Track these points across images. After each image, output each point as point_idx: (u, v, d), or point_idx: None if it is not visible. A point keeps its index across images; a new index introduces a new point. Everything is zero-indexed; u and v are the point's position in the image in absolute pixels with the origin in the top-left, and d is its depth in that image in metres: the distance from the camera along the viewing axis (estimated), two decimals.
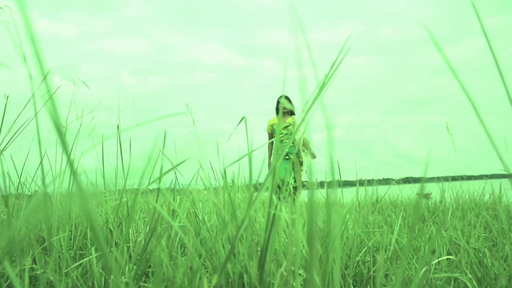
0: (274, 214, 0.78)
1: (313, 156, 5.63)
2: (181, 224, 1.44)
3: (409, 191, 4.93)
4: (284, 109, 5.47)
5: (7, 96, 1.39)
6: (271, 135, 5.86)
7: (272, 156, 5.67)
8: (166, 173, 0.91)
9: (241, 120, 1.08)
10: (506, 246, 1.52)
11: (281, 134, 5.42)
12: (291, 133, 5.26)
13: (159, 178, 0.89)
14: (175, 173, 1.93)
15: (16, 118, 1.83)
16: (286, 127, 5.52)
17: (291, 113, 5.79)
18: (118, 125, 1.51)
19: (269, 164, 5.61)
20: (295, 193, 4.94)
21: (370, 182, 5.29)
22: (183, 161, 0.97)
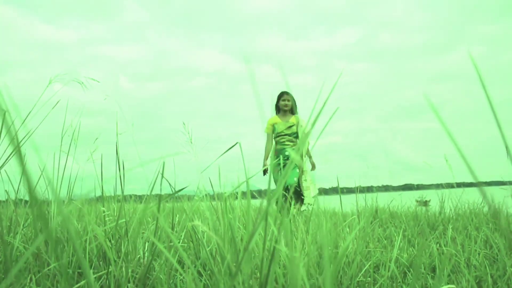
0: (274, 248, 0.77)
1: (313, 167, 4.99)
2: (180, 242, 1.43)
3: (408, 199, 4.93)
4: (285, 107, 4.95)
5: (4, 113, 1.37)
6: (271, 136, 5.10)
7: (269, 157, 5.08)
8: (165, 198, 0.90)
9: (234, 145, 1.07)
10: (507, 268, 1.51)
11: (284, 134, 4.83)
12: (294, 134, 4.85)
13: (158, 205, 0.88)
14: (174, 187, 1.91)
15: (17, 130, 1.81)
16: (290, 127, 4.88)
17: (293, 111, 5.09)
18: (116, 144, 1.49)
19: (264, 167, 4.95)
20: (299, 199, 4.58)
21: (369, 189, 5.28)
22: (183, 189, 0.95)
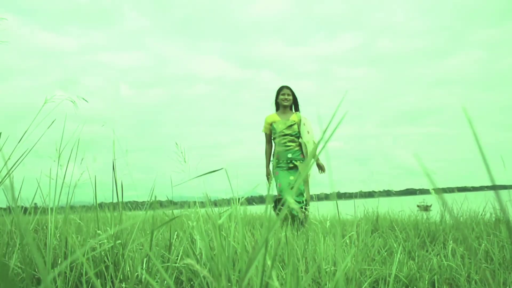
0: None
1: (322, 168, 4.45)
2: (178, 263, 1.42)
3: (410, 204, 4.91)
4: (285, 102, 4.39)
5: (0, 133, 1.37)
6: (270, 136, 4.49)
7: (271, 163, 4.53)
8: (161, 226, 0.89)
9: (219, 169, 1.06)
10: (508, 285, 1.50)
11: (284, 135, 4.30)
12: (296, 134, 4.32)
13: (150, 242, 0.87)
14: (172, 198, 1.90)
15: (18, 143, 1.81)
16: (290, 126, 4.31)
17: (295, 108, 4.52)
18: (113, 163, 1.49)
19: (267, 174, 4.49)
20: (303, 212, 4.02)
21: (370, 194, 5.25)
22: (178, 216, 0.95)
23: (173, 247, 1.34)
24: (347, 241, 2.14)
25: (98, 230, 1.52)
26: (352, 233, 1.59)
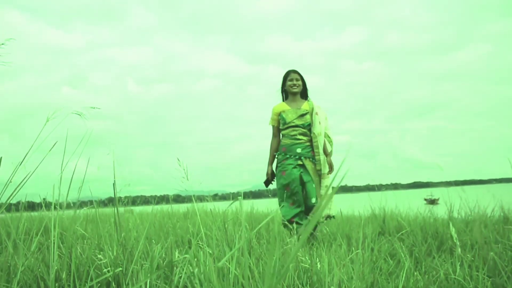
0: None
1: (331, 168, 3.65)
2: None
3: (417, 197, 4.87)
4: (294, 88, 3.68)
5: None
6: (278, 129, 3.76)
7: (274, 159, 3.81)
8: (162, 267, 0.87)
9: (234, 201, 1.04)
10: None
11: (294, 125, 3.62)
12: (308, 126, 3.64)
13: (155, 275, 0.85)
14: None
15: (23, 159, 1.80)
16: (302, 115, 3.63)
17: (305, 95, 3.82)
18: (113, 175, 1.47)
19: (268, 173, 3.80)
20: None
21: (378, 187, 5.23)
22: (183, 257, 0.92)
23: (175, 268, 1.33)
24: (353, 248, 2.13)
25: (102, 234, 1.52)
26: (358, 251, 1.56)
